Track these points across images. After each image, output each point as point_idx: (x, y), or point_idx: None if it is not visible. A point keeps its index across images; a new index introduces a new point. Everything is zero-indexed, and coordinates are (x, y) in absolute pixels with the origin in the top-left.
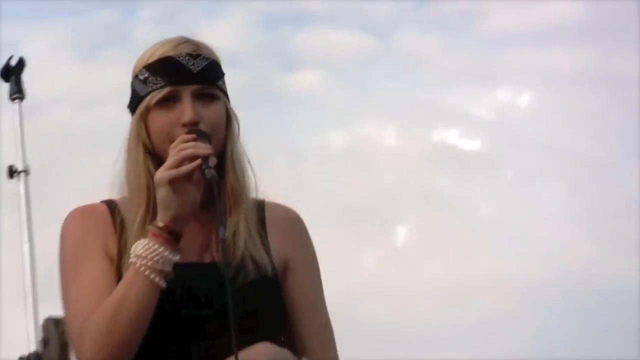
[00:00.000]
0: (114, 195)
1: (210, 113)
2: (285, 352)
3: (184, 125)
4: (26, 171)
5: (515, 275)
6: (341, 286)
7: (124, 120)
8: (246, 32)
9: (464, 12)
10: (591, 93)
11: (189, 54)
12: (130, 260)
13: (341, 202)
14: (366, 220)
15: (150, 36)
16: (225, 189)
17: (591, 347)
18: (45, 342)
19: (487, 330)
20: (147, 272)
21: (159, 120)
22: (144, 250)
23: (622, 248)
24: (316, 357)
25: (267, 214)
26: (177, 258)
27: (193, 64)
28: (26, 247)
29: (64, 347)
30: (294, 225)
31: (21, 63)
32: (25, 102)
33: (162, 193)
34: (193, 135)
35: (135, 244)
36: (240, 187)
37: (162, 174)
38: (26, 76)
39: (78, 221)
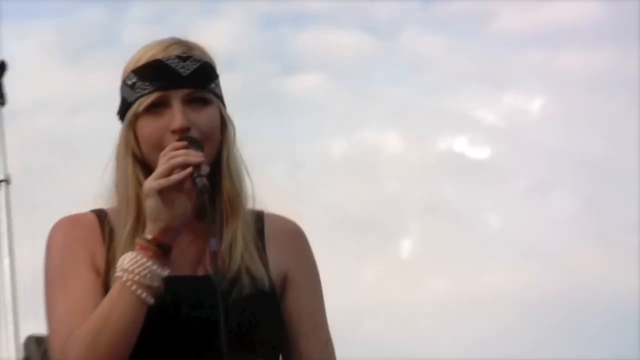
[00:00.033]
0: (103, 204)
1: (202, 118)
2: None
3: (174, 132)
4: (7, 180)
5: (525, 290)
6: (341, 302)
7: (113, 127)
8: (244, 33)
9: (473, 12)
10: (607, 97)
11: (178, 57)
12: (116, 274)
13: (341, 213)
14: (367, 232)
15: (140, 37)
16: (221, 197)
17: None
18: None
19: (493, 349)
20: (133, 288)
21: (148, 127)
22: (130, 264)
23: None
24: None
25: (266, 225)
26: (165, 273)
27: (183, 67)
28: (6, 261)
29: None
30: (295, 238)
31: (2, 66)
32: (6, 107)
33: (151, 204)
34: (184, 143)
35: (122, 257)
36: (237, 195)
37: (151, 183)
38: (7, 80)
39: (65, 231)
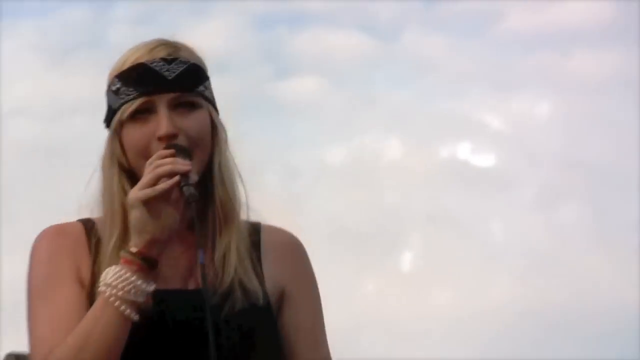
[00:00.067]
0: (89, 214)
1: (190, 123)
2: None
3: (160, 139)
4: None
5: (532, 304)
6: (339, 317)
7: (98, 133)
8: (236, 34)
9: (478, 12)
10: (619, 102)
11: (163, 59)
12: (99, 288)
13: (339, 223)
14: (366, 244)
15: (126, 38)
16: (214, 206)
17: None
18: None
19: None
20: (117, 303)
21: (134, 135)
22: (114, 278)
23: None
24: None
25: (263, 237)
26: (151, 288)
27: (168, 69)
28: None
29: None
30: (293, 251)
31: None
32: None
33: (135, 215)
34: (171, 151)
35: (106, 271)
36: (231, 203)
37: (136, 193)
38: None
39: (49, 240)
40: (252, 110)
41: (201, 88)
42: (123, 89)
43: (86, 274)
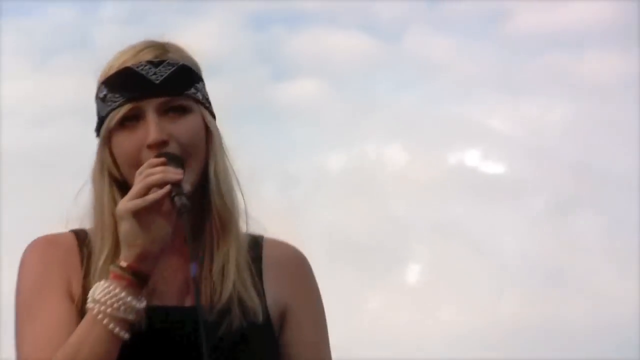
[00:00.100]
0: (79, 226)
1: (180, 129)
2: None
3: (149, 147)
4: None
5: (546, 321)
6: (342, 333)
7: (86, 138)
8: (231, 34)
9: (485, 11)
10: (635, 106)
11: (149, 62)
12: (87, 305)
13: (340, 235)
14: (370, 257)
15: (114, 39)
16: (211, 216)
17: None
18: None
19: None
20: (105, 321)
21: (123, 144)
22: (102, 294)
23: None
24: None
25: (265, 251)
26: (142, 305)
27: (155, 73)
28: None
29: None
30: (297, 266)
31: None
32: None
33: (125, 227)
34: (162, 159)
35: (95, 286)
36: (229, 213)
37: (125, 204)
38: None
39: (39, 252)
40: (247, 115)
41: (192, 90)
42: (109, 95)
43: (77, 288)
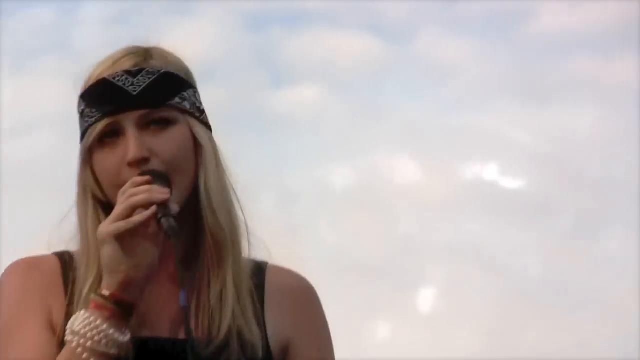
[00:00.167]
0: (70, 247)
1: (162, 144)
2: None
3: (129, 165)
4: None
5: (574, 349)
6: None
7: (66, 150)
8: (225, 36)
9: (505, 11)
10: None
11: (126, 72)
12: (66, 337)
13: (345, 257)
14: (378, 280)
15: (97, 41)
16: (205, 237)
17: None
18: None
19: None
20: (84, 356)
21: (104, 162)
22: (82, 326)
23: None
24: None
25: (268, 279)
26: (126, 338)
27: (132, 83)
28: None
29: None
30: (302, 295)
31: None
32: None
33: (107, 252)
34: (147, 177)
35: (74, 316)
36: (223, 232)
37: (107, 227)
38: None
39: (18, 277)
40: (242, 124)
41: (176, 100)
42: (87, 110)
43: (59, 317)
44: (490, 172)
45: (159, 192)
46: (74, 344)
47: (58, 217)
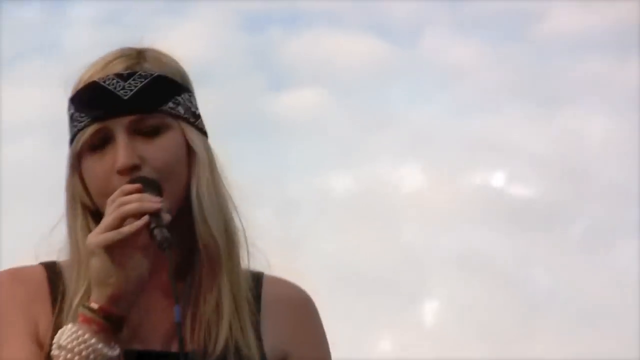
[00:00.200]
0: (60, 257)
1: (154, 151)
2: None
3: (119, 172)
4: None
5: None
6: None
7: (53, 157)
8: (221, 37)
9: (515, 11)
10: None
11: (118, 75)
12: (52, 352)
13: (346, 268)
14: (381, 293)
15: (86, 42)
16: (197, 249)
17: None
18: None
19: None
20: None
21: (93, 169)
22: (69, 340)
23: None
24: None
25: (265, 290)
26: (115, 353)
27: (123, 87)
28: None
29: None
30: (300, 306)
31: None
32: None
33: (96, 264)
34: (137, 185)
35: (61, 330)
36: (217, 243)
37: (96, 238)
38: None
39: (2, 290)
40: (239, 130)
41: (169, 105)
42: (76, 114)
43: (46, 331)
44: (498, 179)
45: (151, 201)
46: (60, 359)
47: (44, 227)
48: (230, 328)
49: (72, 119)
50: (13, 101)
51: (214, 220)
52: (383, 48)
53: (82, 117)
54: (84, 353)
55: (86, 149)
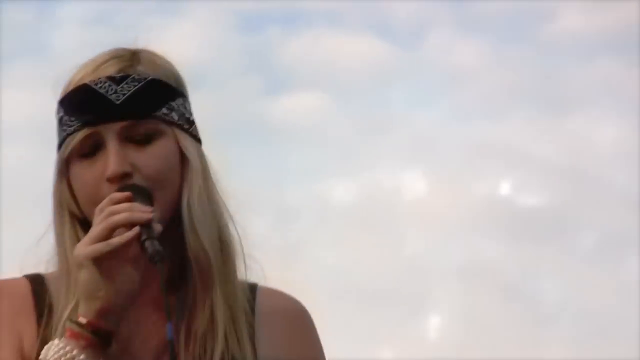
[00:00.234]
0: (45, 269)
1: (146, 158)
2: None
3: (109, 180)
4: None
5: None
6: None
7: (45, 163)
8: (217, 38)
9: (523, 11)
10: None
11: (110, 78)
12: None
13: (347, 279)
14: (383, 305)
15: (77, 43)
16: (189, 261)
17: None
18: None
19: None
20: None
21: (81, 176)
22: (56, 356)
23: None
24: None
25: (259, 301)
26: None
27: (116, 91)
28: None
29: None
30: (296, 318)
31: None
32: None
33: (84, 276)
34: (127, 194)
35: (47, 346)
36: (208, 255)
37: (84, 249)
38: None
39: None
40: (234, 135)
41: (163, 111)
42: (65, 118)
43: (31, 346)
44: (505, 187)
45: (141, 211)
46: None
47: (31, 237)
48: (227, 341)
49: (61, 122)
50: (6, 100)
51: (204, 230)
52: (385, 49)
53: (72, 121)
54: None
55: (75, 154)
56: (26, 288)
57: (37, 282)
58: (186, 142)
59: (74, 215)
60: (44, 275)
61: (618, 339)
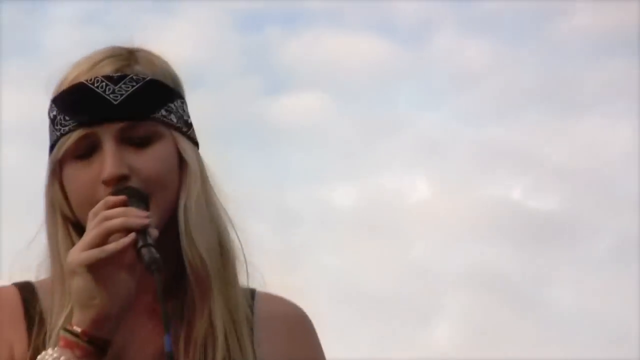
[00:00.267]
0: (39, 275)
1: (144, 161)
2: None
3: (105, 183)
4: None
5: None
6: None
7: (36, 166)
8: (215, 38)
9: (531, 9)
10: None
11: (107, 77)
12: None
13: (350, 285)
14: (389, 312)
15: (68, 42)
16: (186, 268)
17: None
18: None
19: None
20: None
21: (76, 178)
22: None
23: None
24: None
25: (258, 306)
26: None
27: (113, 91)
28: None
29: None
30: (296, 323)
31: None
32: None
33: (78, 284)
34: (122, 198)
35: (40, 356)
36: (203, 260)
37: (78, 255)
38: None
39: None
40: (233, 137)
41: (162, 112)
42: (59, 117)
43: (22, 355)
44: (515, 191)
45: (137, 216)
46: None
47: (21, 241)
48: (228, 347)
49: (54, 121)
50: None
51: (201, 235)
52: (388, 49)
53: (67, 120)
54: None
55: (69, 155)
56: (16, 297)
57: (26, 290)
58: (185, 144)
59: (67, 217)
60: (34, 283)
61: (633, 345)
